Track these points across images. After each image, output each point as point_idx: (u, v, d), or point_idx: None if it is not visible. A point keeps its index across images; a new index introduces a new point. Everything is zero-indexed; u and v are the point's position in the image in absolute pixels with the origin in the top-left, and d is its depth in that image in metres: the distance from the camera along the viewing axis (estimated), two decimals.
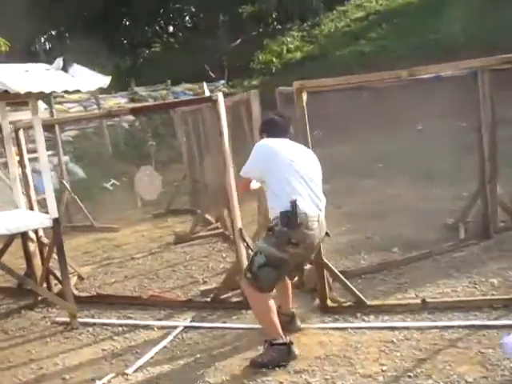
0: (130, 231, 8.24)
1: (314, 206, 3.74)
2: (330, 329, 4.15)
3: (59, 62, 4.73)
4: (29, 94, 4.10)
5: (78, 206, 8.64)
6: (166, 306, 4.98)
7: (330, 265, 4.47)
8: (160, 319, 4.76)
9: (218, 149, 7.02)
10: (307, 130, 4.25)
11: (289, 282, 4.18)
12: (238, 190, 4.54)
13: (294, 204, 3.61)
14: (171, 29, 17.35)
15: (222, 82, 17.84)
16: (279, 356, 3.68)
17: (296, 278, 4.44)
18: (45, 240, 5.55)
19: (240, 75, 19.31)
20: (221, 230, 7.39)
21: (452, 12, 17.70)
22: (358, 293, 4.44)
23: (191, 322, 4.62)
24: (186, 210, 9.16)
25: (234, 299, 4.85)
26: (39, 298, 5.37)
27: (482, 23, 16.35)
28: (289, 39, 20.39)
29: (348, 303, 4.46)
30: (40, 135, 4.55)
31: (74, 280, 5.85)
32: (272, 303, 3.77)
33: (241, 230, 4.71)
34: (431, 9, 18.56)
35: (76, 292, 5.47)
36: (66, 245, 4.96)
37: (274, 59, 19.71)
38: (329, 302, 4.46)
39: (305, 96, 4.17)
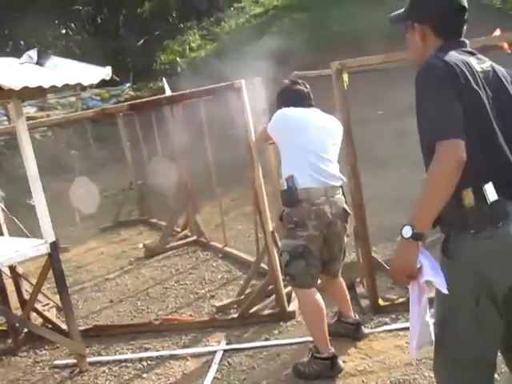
0: (83, 249, 7.34)
1: (319, 179, 3.38)
2: (398, 330, 3.75)
3: (33, 54, 3.93)
4: (24, 91, 3.30)
5: (13, 228, 7.55)
6: (185, 330, 4.33)
7: (381, 260, 4.08)
8: (187, 346, 4.11)
9: (181, 150, 6.56)
10: (348, 114, 3.81)
11: (341, 283, 3.73)
12: (257, 139, 4.05)
13: (290, 180, 3.37)
14: (70, 32, 16.08)
15: (128, 85, 16.87)
16: (321, 370, 3.38)
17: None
18: (20, 270, 4.68)
19: (144, 77, 18.43)
20: (193, 238, 6.77)
21: (354, 4, 18.10)
22: None
23: (228, 344, 4.01)
24: (135, 221, 8.40)
25: (266, 311, 4.31)
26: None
27: (385, 16, 16.75)
28: (191, 38, 19.77)
29: (400, 300, 4.09)
30: (28, 144, 3.74)
31: (52, 312, 4.98)
32: (322, 311, 3.39)
33: (273, 232, 4.18)
34: (330, 2, 18.84)
35: (64, 326, 4.64)
36: None
37: (178, 59, 19.02)
38: (380, 301, 4.06)
39: (346, 77, 3.72)
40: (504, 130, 1.98)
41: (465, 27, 2.10)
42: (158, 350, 4.10)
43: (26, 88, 3.28)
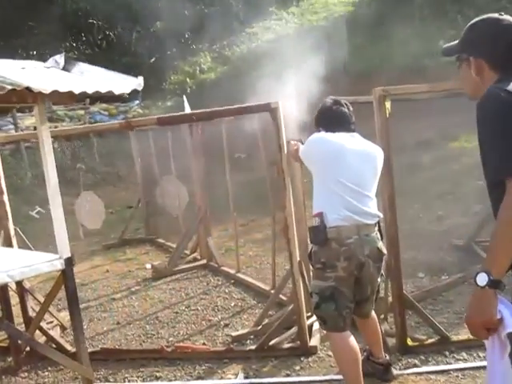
0: (88, 266, 7.10)
1: (352, 217, 3.11)
2: (430, 373, 3.53)
3: (59, 59, 3.77)
4: (53, 95, 3.12)
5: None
6: (199, 359, 4.08)
7: (412, 298, 3.87)
8: (201, 377, 3.87)
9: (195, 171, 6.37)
10: (389, 144, 3.63)
11: (374, 323, 3.51)
12: (289, 155, 3.81)
13: (319, 218, 3.15)
14: (81, 46, 15.98)
15: (137, 102, 16.75)
16: None
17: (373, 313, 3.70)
18: (27, 284, 4.45)
19: (153, 96, 18.37)
20: (203, 262, 6.55)
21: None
22: (442, 328, 3.86)
23: (246, 377, 3.77)
24: (141, 239, 8.17)
25: (286, 345, 4.07)
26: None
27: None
28: (202, 60, 19.80)
29: (429, 340, 3.87)
30: (49, 151, 3.54)
31: (56, 331, 4.74)
32: (357, 355, 3.15)
33: (300, 263, 3.97)
34: (344, 32, 18.93)
35: (70, 347, 4.39)
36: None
37: (188, 79, 19.00)
38: (409, 341, 3.83)
39: (388, 104, 3.55)
40: None
41: None
42: (170, 380, 3.86)
43: (55, 92, 3.10)
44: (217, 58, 20.33)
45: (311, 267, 3.43)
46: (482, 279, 1.74)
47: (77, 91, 3.20)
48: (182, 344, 4.31)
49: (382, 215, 3.37)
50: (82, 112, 13.42)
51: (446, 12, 17.36)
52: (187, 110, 6.34)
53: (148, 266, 6.65)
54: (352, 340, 3.18)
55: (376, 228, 3.26)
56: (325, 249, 3.14)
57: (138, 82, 3.91)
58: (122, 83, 3.42)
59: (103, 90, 3.37)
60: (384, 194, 3.72)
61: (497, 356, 1.78)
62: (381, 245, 3.27)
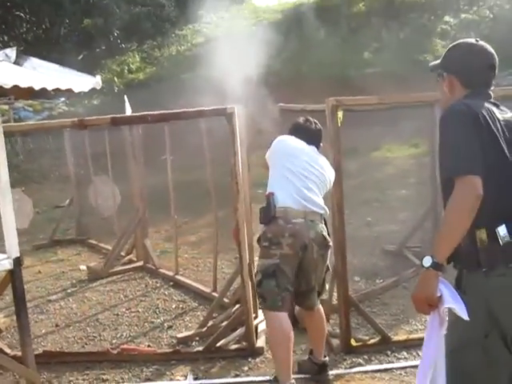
0: None
1: (300, 202, 3.37)
2: (375, 371, 3.70)
3: (10, 53, 3.68)
4: (12, 90, 3.04)
5: None
6: (146, 361, 4.07)
7: (356, 299, 4.04)
8: (149, 379, 3.86)
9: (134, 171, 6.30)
10: (339, 151, 3.79)
11: (320, 319, 3.62)
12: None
13: (270, 197, 3.38)
14: (8, 39, 15.27)
15: (62, 99, 16.27)
16: None
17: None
18: None
19: (79, 94, 17.84)
20: (139, 263, 6.49)
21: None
22: (383, 329, 4.06)
23: (196, 379, 3.81)
24: (72, 240, 7.96)
25: (234, 346, 4.14)
26: None
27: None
28: (130, 59, 19.48)
29: (372, 341, 4.05)
30: (2, 147, 3.43)
31: None
32: (287, 337, 3.29)
33: (250, 265, 4.05)
34: (273, 39, 19.21)
35: (9, 351, 4.25)
36: None
37: (116, 79, 18.63)
38: (353, 342, 4.00)
39: (340, 114, 3.72)
40: None
41: (492, 82, 2.24)
42: (117, 383, 3.83)
43: (16, 87, 3.02)
44: (145, 58, 20.07)
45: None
46: (427, 261, 2.01)
47: (37, 87, 3.14)
48: (127, 346, 4.27)
49: (328, 210, 3.57)
50: (6, 107, 12.89)
51: (372, 25, 18.04)
52: (128, 110, 6.27)
53: (83, 267, 6.50)
54: (286, 322, 3.31)
55: (322, 218, 3.48)
56: (271, 226, 3.34)
57: (96, 81, 3.81)
58: (78, 80, 3.34)
59: (63, 87, 3.32)
60: (333, 199, 3.87)
61: (435, 329, 2.06)
62: (326, 233, 3.46)
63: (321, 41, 18.27)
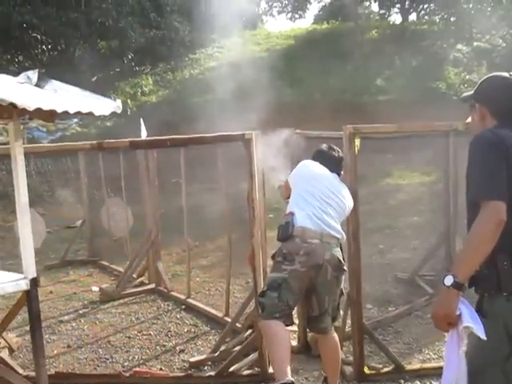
0: None
1: (318, 224, 3.43)
2: None
3: (32, 75, 3.72)
4: (35, 112, 3.10)
5: None
6: None
7: (370, 328, 4.02)
8: None
9: (149, 194, 6.35)
10: (356, 179, 3.82)
11: (334, 345, 3.60)
12: (283, 191, 4.04)
13: (288, 216, 3.46)
14: (23, 60, 15.53)
15: (75, 120, 16.43)
16: None
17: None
18: None
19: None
20: (151, 286, 6.49)
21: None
22: (396, 357, 4.03)
23: None
24: (83, 261, 7.98)
25: (246, 372, 4.12)
26: None
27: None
28: (143, 82, 19.71)
29: (385, 369, 4.03)
30: (22, 169, 3.48)
31: (5, 353, 4.57)
32: (284, 338, 3.27)
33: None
34: (285, 64, 19.43)
35: (21, 371, 4.26)
36: None
37: (129, 101, 18.83)
38: (366, 370, 3.98)
39: (358, 142, 3.75)
40: None
41: None
42: None
43: (38, 110, 3.07)
44: (158, 81, 20.30)
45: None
46: (449, 280, 2.07)
47: (59, 110, 3.19)
48: (140, 369, 4.26)
49: (344, 235, 3.60)
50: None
51: (385, 52, 18.17)
52: (143, 133, 6.33)
53: (95, 288, 6.51)
54: (283, 328, 3.28)
55: (338, 242, 3.51)
56: (288, 243, 3.40)
57: (116, 105, 3.86)
58: (99, 103, 3.39)
59: (84, 111, 3.38)
60: (349, 226, 3.89)
61: (454, 347, 2.11)
62: (341, 257, 3.49)
63: (333, 67, 18.42)
